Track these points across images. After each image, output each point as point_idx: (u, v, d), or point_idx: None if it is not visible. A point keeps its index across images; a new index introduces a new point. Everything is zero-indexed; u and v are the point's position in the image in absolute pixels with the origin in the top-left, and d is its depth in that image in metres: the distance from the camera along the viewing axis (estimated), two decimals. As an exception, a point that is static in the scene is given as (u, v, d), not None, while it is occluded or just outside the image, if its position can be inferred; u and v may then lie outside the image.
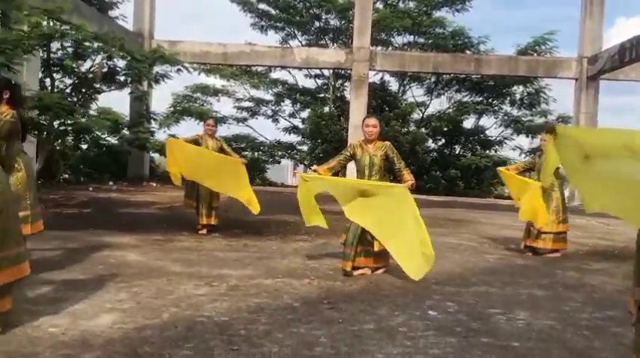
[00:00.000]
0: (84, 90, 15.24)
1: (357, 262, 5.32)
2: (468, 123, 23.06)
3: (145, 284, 4.63)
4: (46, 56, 13.81)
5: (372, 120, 5.52)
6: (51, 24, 11.01)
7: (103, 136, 15.64)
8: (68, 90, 14.87)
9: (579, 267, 6.33)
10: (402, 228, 5.07)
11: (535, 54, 20.23)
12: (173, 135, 16.95)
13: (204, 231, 7.56)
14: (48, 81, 15.10)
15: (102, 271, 5.05)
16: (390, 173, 5.61)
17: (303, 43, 23.21)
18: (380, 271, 5.42)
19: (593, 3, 17.42)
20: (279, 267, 5.58)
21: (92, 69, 15.43)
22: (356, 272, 5.31)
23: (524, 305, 4.52)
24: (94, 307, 3.90)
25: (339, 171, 5.86)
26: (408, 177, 5.32)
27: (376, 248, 5.36)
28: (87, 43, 12.49)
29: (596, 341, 3.65)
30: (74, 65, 14.34)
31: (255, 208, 7.10)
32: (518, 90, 21.94)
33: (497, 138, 23.09)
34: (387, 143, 5.60)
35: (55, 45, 13.38)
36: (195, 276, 5.00)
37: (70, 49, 13.78)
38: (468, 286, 5.12)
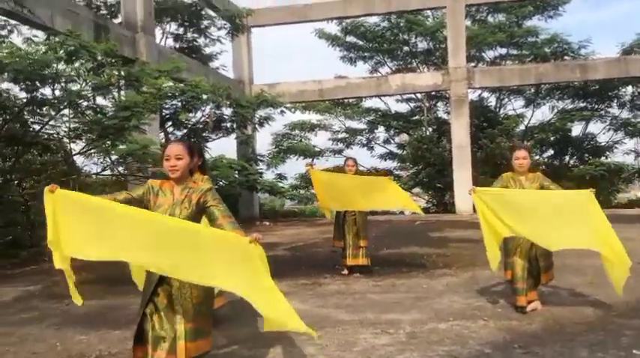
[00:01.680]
0: (194, 140, 16.08)
1: (529, 296, 5.12)
2: (575, 130, 22.02)
3: (323, 335, 4.67)
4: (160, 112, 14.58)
5: (522, 152, 5.35)
6: (170, 83, 11.70)
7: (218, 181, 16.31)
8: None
9: None
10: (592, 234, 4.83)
11: (643, 51, 19.11)
12: (279, 176, 17.47)
13: (345, 272, 7.60)
14: (162, 135, 16.07)
15: (273, 323, 5.15)
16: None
17: (393, 68, 23.25)
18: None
19: None
20: (444, 308, 5.46)
21: (202, 119, 16.28)
22: (528, 307, 5.11)
23: None
24: (292, 364, 3.98)
25: None
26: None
27: (543, 280, 5.27)
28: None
29: None
30: (186, 118, 15.18)
31: (417, 209, 8.09)
32: (628, 91, 20.73)
33: (607, 144, 21.87)
34: (539, 173, 5.47)
35: (168, 100, 14.20)
36: (367, 323, 4.99)
37: (180, 103, 14.58)
38: (657, 318, 4.77)
